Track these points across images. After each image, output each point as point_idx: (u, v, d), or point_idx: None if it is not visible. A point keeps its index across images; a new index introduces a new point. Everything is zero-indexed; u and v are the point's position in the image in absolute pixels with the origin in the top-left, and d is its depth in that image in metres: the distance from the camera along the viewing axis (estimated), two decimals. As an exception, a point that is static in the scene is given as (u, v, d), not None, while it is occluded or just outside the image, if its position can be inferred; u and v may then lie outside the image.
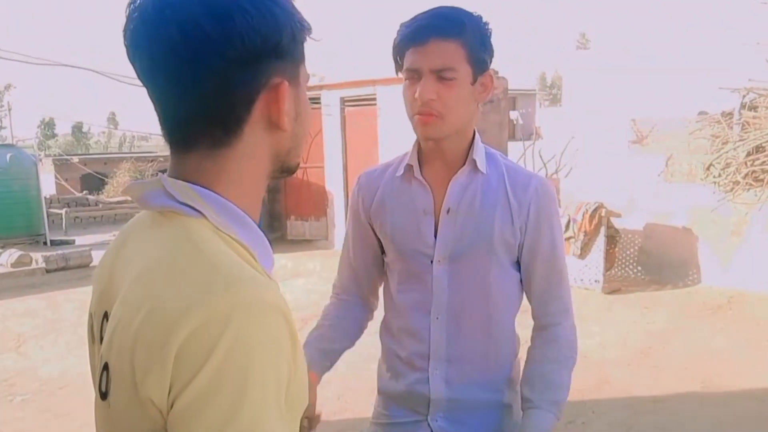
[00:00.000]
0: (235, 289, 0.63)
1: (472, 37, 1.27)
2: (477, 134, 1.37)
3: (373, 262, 1.53)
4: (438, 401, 1.40)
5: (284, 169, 0.82)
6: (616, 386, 4.08)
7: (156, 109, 0.74)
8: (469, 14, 1.30)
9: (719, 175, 6.45)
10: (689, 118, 7.21)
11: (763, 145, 6.27)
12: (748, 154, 6.33)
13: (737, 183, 6.29)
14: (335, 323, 1.54)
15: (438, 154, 1.37)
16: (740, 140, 6.46)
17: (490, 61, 1.33)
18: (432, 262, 1.37)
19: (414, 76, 1.29)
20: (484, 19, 1.32)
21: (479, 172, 1.34)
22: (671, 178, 6.87)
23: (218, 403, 0.59)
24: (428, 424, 1.42)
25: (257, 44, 0.69)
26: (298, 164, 0.84)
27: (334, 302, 1.61)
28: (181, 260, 0.67)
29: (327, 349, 1.49)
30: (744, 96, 6.70)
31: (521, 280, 1.41)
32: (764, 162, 6.22)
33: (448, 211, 1.35)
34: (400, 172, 1.42)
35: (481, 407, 1.41)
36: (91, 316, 0.80)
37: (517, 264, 1.40)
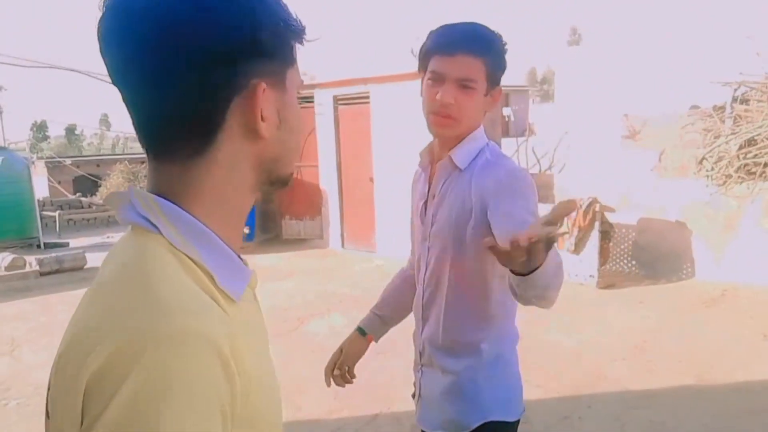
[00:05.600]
0: (159, 318, 0.56)
1: (493, 56, 1.45)
2: (474, 135, 1.52)
3: None
4: (420, 354, 1.64)
5: (274, 181, 0.75)
6: (611, 381, 4.09)
7: (129, 114, 0.68)
8: (494, 34, 1.46)
9: (712, 169, 6.47)
10: (681, 112, 7.23)
11: (755, 138, 6.30)
12: (741, 148, 6.35)
13: (730, 176, 6.31)
14: (390, 295, 1.83)
15: (444, 148, 1.54)
16: (732, 134, 6.48)
17: (502, 77, 1.50)
18: (423, 239, 1.60)
19: (437, 78, 1.45)
20: (503, 39, 1.48)
21: (456, 168, 1.50)
22: (664, 172, 6.89)
23: None
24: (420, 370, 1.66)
25: (233, 40, 0.64)
26: (291, 175, 0.78)
27: (400, 271, 1.87)
28: (118, 282, 0.61)
29: (384, 315, 1.80)
30: (735, 90, 6.73)
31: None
32: (756, 155, 6.25)
33: (434, 197, 1.56)
34: (419, 159, 1.64)
35: (438, 372, 1.58)
36: None
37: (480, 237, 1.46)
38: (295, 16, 0.71)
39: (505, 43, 1.48)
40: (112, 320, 0.56)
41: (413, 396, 1.72)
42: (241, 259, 0.73)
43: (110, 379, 0.53)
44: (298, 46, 0.73)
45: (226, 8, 0.63)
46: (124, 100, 0.67)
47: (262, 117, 0.68)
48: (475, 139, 1.51)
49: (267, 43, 0.66)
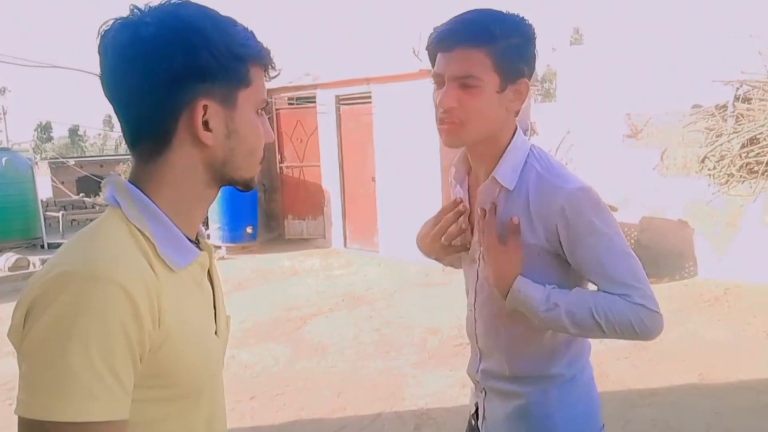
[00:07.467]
0: (85, 265, 0.74)
1: (502, 44, 1.22)
2: (513, 143, 1.32)
3: None
4: (477, 382, 1.50)
5: (229, 181, 0.91)
6: (614, 379, 4.10)
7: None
8: (503, 19, 1.24)
9: (714, 168, 6.47)
10: (683, 111, 7.22)
11: (757, 136, 6.29)
12: (743, 146, 6.35)
13: (732, 175, 6.31)
14: None
15: (475, 160, 1.39)
16: (734, 132, 6.47)
17: (530, 67, 1.28)
18: (470, 261, 1.45)
19: (438, 80, 1.28)
20: (526, 23, 1.26)
21: (503, 189, 1.31)
22: (666, 171, 6.89)
23: (44, 351, 0.71)
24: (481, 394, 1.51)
25: (174, 70, 0.80)
26: (249, 179, 0.93)
27: None
28: (75, 239, 0.83)
29: None
30: (737, 88, 6.72)
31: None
32: (759, 154, 6.24)
33: (479, 221, 1.37)
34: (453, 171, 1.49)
35: (502, 397, 1.43)
36: None
37: (549, 271, 1.35)
38: (250, 43, 0.86)
39: (530, 27, 1.26)
40: (57, 264, 0.76)
41: (472, 416, 1.56)
42: (195, 242, 0.92)
43: (41, 304, 0.73)
44: (264, 69, 0.89)
45: (169, 47, 0.80)
46: (114, 111, 0.87)
47: (209, 128, 0.85)
48: (517, 149, 1.31)
49: (207, 71, 0.82)
